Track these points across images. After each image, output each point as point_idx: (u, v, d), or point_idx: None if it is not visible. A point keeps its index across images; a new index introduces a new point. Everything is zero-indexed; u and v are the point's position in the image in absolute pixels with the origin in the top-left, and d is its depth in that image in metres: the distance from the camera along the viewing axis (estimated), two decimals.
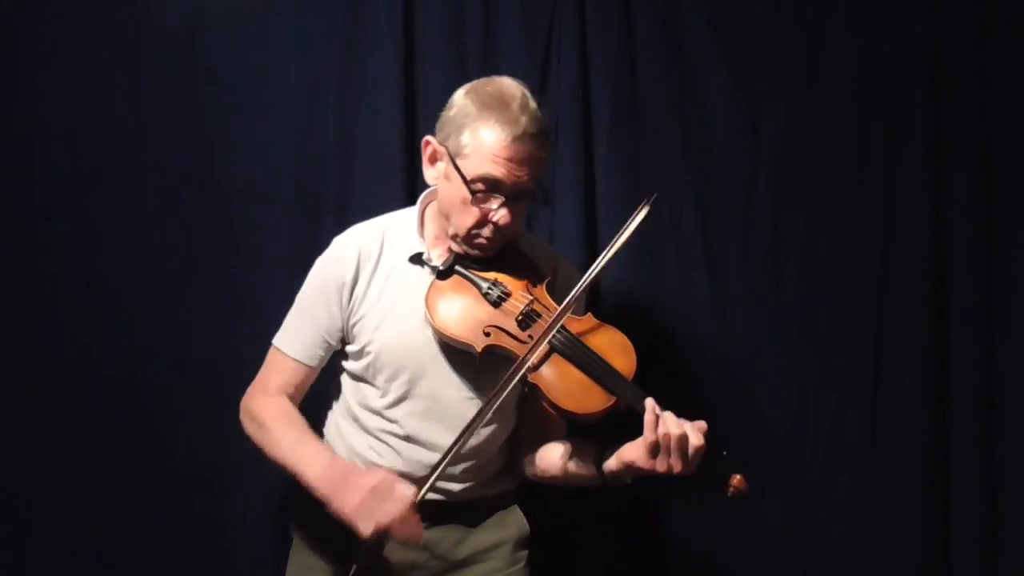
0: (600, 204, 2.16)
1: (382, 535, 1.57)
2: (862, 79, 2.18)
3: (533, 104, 1.66)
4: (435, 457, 1.66)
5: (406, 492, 1.58)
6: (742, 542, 2.19)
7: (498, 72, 2.12)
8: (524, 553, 1.84)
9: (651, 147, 2.17)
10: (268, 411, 1.75)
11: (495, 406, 1.62)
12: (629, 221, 1.68)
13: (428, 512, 1.67)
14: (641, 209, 1.68)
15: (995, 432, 2.17)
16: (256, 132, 2.12)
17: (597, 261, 1.67)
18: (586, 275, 1.67)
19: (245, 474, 2.10)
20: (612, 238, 2.14)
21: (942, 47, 2.16)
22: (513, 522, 1.84)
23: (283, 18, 2.13)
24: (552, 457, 1.76)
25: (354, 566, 1.61)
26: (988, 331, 2.17)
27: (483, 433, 1.74)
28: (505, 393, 1.62)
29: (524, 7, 2.15)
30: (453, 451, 1.62)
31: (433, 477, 1.61)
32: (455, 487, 1.76)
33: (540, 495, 1.90)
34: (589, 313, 1.74)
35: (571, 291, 1.66)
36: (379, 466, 1.72)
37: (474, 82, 1.71)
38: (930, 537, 2.18)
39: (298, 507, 1.82)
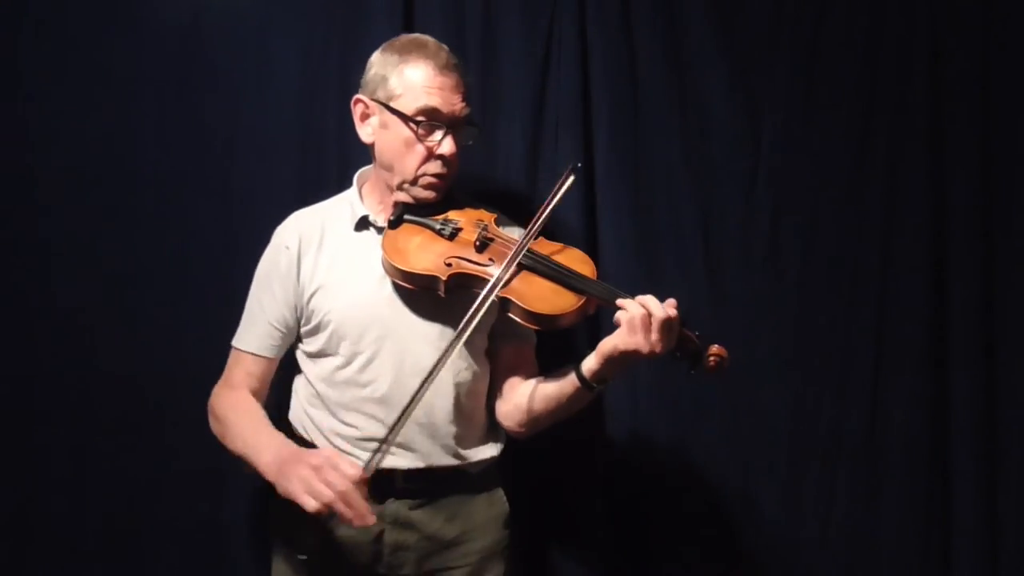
0: (600, 204, 2.16)
1: (327, 516, 1.55)
2: (862, 79, 2.18)
3: (444, 45, 1.77)
4: (414, 415, 1.67)
5: (350, 469, 1.56)
6: (740, 542, 2.19)
7: (498, 72, 2.14)
8: (507, 532, 1.87)
9: (651, 147, 2.17)
10: (228, 406, 1.79)
11: (473, 325, 1.64)
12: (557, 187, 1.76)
13: (415, 487, 1.75)
14: (567, 177, 1.77)
15: (995, 432, 2.17)
16: (256, 132, 2.13)
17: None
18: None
19: (245, 475, 2.10)
20: (612, 237, 2.18)
21: (942, 47, 2.16)
22: (498, 501, 1.87)
23: (283, 18, 2.13)
24: (528, 389, 1.79)
25: (305, 554, 1.57)
26: (988, 331, 2.17)
27: (452, 377, 1.75)
28: (483, 311, 1.64)
29: (524, 7, 2.15)
30: (420, 393, 1.61)
31: (392, 431, 1.61)
32: (434, 450, 1.76)
33: (517, 477, 1.92)
34: (542, 237, 1.80)
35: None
36: (362, 439, 1.73)
37: (384, 43, 1.79)
38: (930, 537, 2.19)
39: (276, 514, 1.83)
